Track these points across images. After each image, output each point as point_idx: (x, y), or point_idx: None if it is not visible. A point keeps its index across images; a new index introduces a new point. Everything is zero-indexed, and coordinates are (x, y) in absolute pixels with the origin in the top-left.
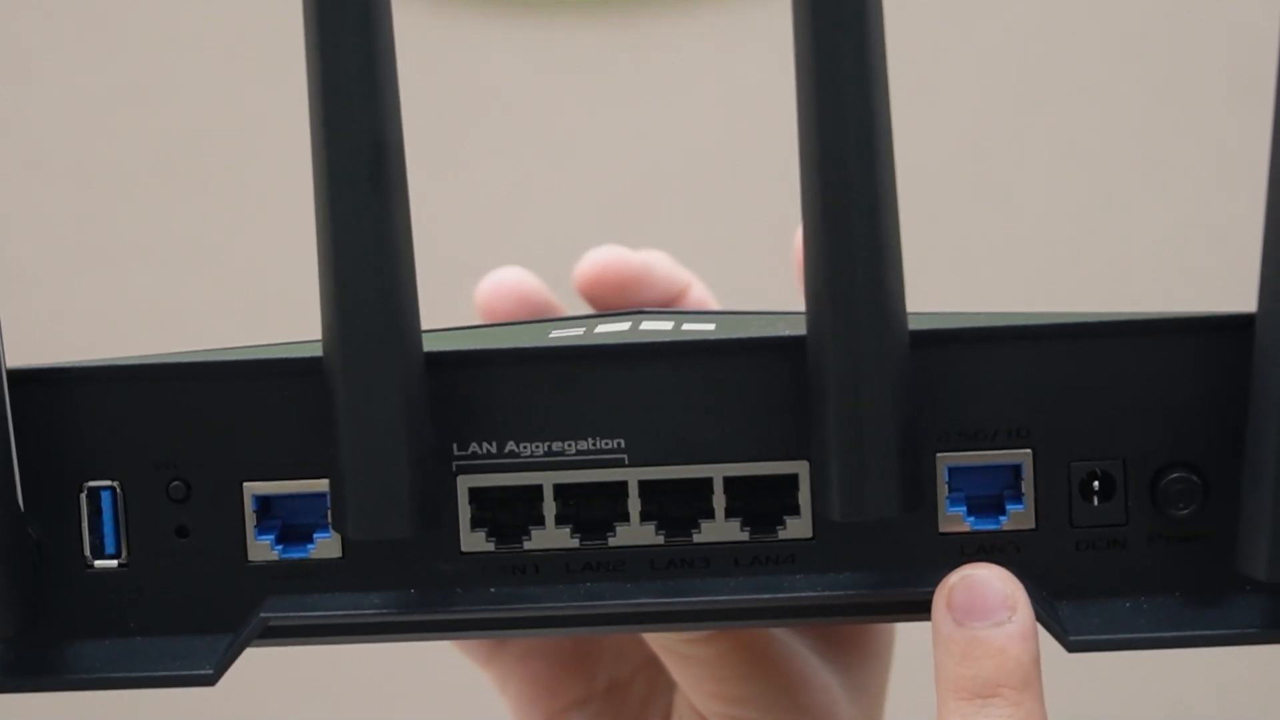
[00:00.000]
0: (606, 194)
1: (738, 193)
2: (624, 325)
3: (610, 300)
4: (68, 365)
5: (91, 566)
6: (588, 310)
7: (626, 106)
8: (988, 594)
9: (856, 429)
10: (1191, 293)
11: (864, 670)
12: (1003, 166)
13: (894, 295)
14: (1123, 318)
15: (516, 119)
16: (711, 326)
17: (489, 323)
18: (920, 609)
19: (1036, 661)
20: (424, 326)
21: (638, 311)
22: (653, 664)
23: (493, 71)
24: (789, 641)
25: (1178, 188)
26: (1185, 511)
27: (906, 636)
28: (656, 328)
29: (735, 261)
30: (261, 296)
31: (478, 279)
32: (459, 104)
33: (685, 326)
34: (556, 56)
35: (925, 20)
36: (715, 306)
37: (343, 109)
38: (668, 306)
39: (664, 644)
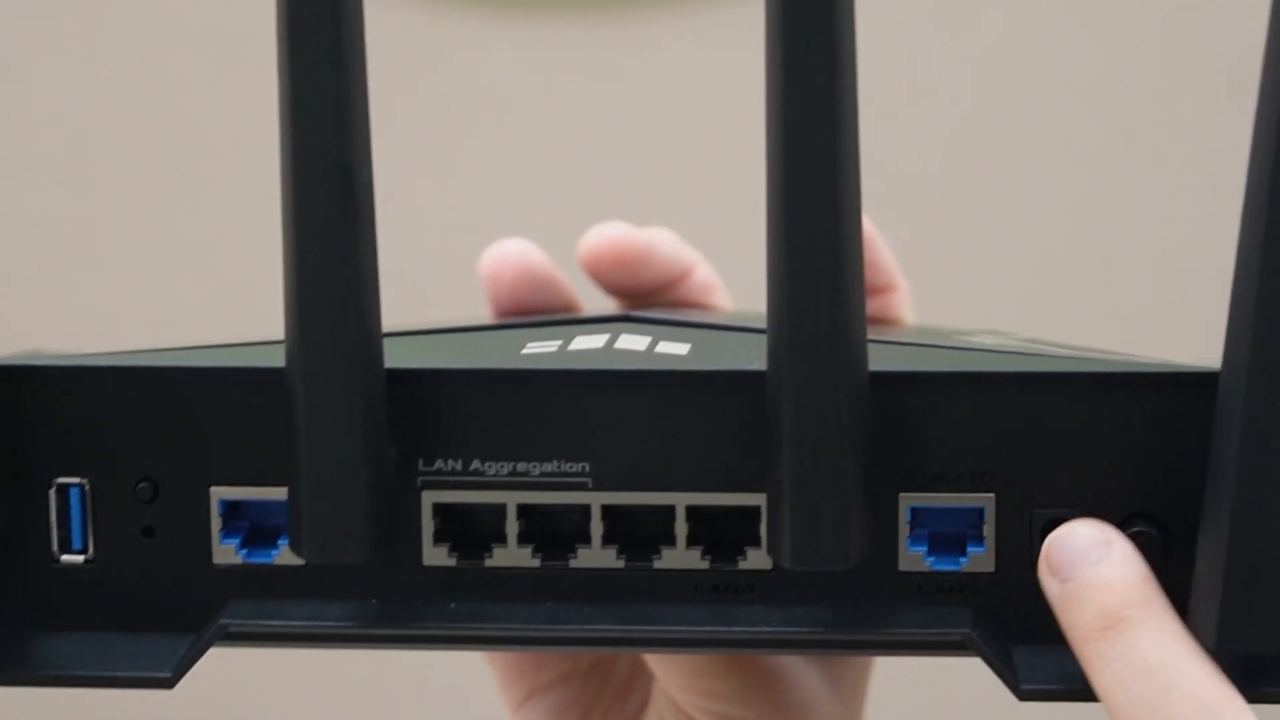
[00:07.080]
0: (602, 193)
1: (732, 192)
2: (602, 338)
3: (613, 277)
4: (39, 362)
5: (58, 561)
6: (593, 287)
7: (622, 106)
8: (1078, 541)
9: (811, 476)
10: (1188, 294)
11: (845, 666)
12: (994, 168)
13: (853, 338)
14: (1090, 368)
15: (512, 118)
16: (687, 347)
17: (486, 299)
18: (875, 646)
19: (1150, 579)
20: (417, 319)
21: (621, 318)
22: None
23: (489, 71)
24: None
25: (1172, 188)
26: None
27: None
28: (633, 343)
29: (728, 260)
30: (256, 296)
31: (474, 277)
32: (455, 103)
33: (661, 344)
34: (553, 56)
35: (916, 22)
36: (720, 288)
37: (312, 133)
38: (671, 286)
39: None
